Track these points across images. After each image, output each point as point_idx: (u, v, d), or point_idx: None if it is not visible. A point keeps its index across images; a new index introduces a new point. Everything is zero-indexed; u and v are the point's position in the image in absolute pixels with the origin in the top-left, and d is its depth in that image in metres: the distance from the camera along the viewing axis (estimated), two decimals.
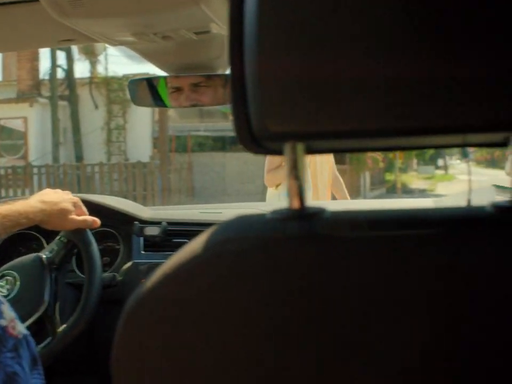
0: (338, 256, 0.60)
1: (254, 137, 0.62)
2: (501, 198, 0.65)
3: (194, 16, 1.37)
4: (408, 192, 20.63)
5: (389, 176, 24.82)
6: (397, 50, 0.57)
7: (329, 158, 3.90)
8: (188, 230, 2.01)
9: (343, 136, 0.61)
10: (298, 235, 0.61)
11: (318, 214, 0.64)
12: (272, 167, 3.69)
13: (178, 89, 1.77)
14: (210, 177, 16.85)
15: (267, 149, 0.64)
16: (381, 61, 0.57)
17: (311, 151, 0.65)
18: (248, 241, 0.61)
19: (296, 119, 0.59)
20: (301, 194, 0.63)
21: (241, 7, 0.61)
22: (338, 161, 4.49)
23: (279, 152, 0.64)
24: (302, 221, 0.63)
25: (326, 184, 3.87)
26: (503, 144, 0.64)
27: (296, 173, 0.63)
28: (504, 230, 0.61)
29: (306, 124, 0.59)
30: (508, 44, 0.56)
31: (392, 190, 22.24)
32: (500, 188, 2.40)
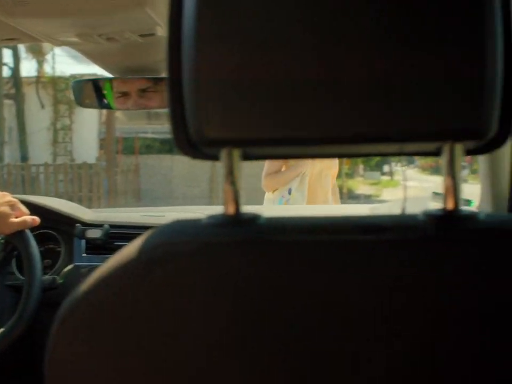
0: (271, 261, 0.61)
1: (191, 142, 0.63)
2: (436, 205, 0.66)
3: (139, 19, 1.37)
4: (354, 197, 20.81)
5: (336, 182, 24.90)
6: (335, 59, 0.58)
7: (335, 162, 3.68)
8: (130, 233, 2.00)
9: (278, 143, 0.61)
10: (232, 240, 0.62)
11: (252, 219, 0.64)
12: (271, 172, 3.58)
13: (125, 94, 1.76)
14: (157, 179, 16.74)
15: (204, 154, 0.65)
16: (317, 69, 0.58)
17: (247, 157, 0.66)
18: (182, 246, 0.62)
19: (233, 126, 0.60)
20: (236, 200, 0.64)
21: (180, 10, 0.61)
22: None
23: (215, 158, 0.64)
24: (237, 227, 0.63)
25: (328, 189, 3.67)
26: (436, 153, 0.65)
27: (232, 178, 0.64)
28: (434, 238, 0.62)
29: (243, 130, 0.60)
30: (441, 59, 0.57)
31: (339, 195, 22.33)
32: (439, 195, 2.45)
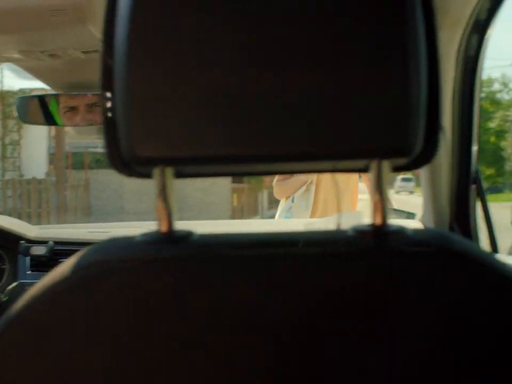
0: (203, 277, 0.62)
1: (124, 160, 0.63)
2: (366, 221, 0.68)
3: (81, 36, 1.37)
4: None
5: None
6: (266, 78, 0.59)
7: (355, 178, 3.47)
8: (75, 249, 1.99)
9: (210, 161, 0.63)
10: (165, 257, 0.63)
11: (185, 237, 0.65)
12: (279, 179, 3.47)
13: (73, 109, 1.75)
14: (107, 194, 16.62)
15: (137, 172, 0.66)
16: (247, 88, 0.60)
17: (180, 175, 0.66)
18: (116, 264, 0.62)
19: (164, 144, 0.60)
20: (169, 218, 0.65)
21: (112, 28, 0.62)
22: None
23: (149, 176, 0.65)
24: (170, 244, 0.64)
25: (344, 194, 3.43)
26: (365, 170, 0.67)
27: (165, 196, 0.64)
28: (362, 253, 0.64)
29: (174, 149, 0.61)
30: (366, 78, 0.59)
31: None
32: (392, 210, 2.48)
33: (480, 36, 1.58)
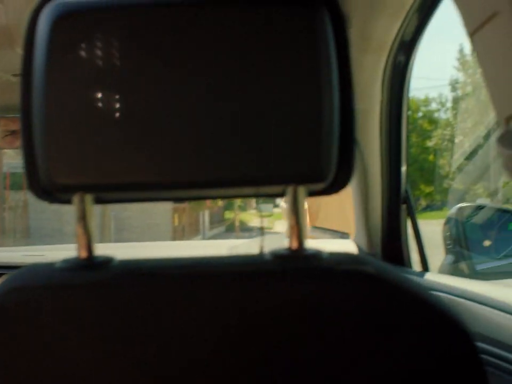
0: (121, 303, 0.62)
1: (44, 187, 0.64)
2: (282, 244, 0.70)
3: (10, 59, 1.37)
4: (247, 230, 20.93)
5: (229, 215, 25.11)
6: (182, 108, 0.61)
7: None
8: (8, 273, 1.96)
9: (129, 188, 0.63)
10: (84, 284, 0.63)
11: (105, 263, 0.66)
12: None
13: (13, 133, 1.73)
14: (47, 216, 16.35)
15: (57, 198, 0.66)
16: (166, 117, 0.61)
17: (100, 201, 0.67)
18: (35, 291, 0.62)
19: (82, 172, 0.61)
20: (89, 244, 0.65)
21: (31, 55, 0.62)
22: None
23: (69, 202, 0.66)
24: (89, 270, 0.65)
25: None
26: (282, 195, 0.69)
27: (84, 223, 0.65)
28: (277, 276, 0.65)
29: (92, 176, 0.61)
30: (282, 109, 0.61)
31: (231, 228, 22.51)
32: (320, 229, 2.52)
33: (406, 58, 1.62)
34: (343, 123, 0.65)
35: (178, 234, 17.86)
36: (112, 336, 0.62)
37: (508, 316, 1.21)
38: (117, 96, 0.61)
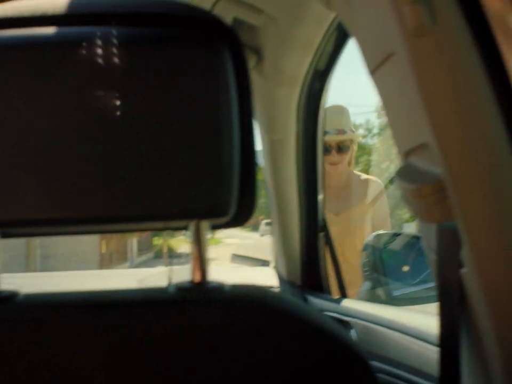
0: (23, 338, 0.63)
1: None
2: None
3: None
4: (175, 256, 20.79)
5: (157, 241, 24.91)
6: (88, 144, 0.61)
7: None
8: None
9: (32, 224, 0.64)
10: None
11: (10, 297, 0.66)
12: None
13: None
14: None
15: None
16: (65, 157, 0.61)
17: (8, 235, 0.67)
18: None
19: None
20: None
21: None
22: None
23: None
24: None
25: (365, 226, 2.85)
26: (185, 228, 0.70)
27: None
28: (180, 310, 0.66)
29: None
30: (183, 146, 0.63)
31: (160, 255, 22.34)
32: (239, 256, 2.54)
33: (319, 90, 1.66)
34: (244, 159, 0.67)
35: (106, 261, 17.62)
36: (14, 369, 0.62)
37: (418, 341, 1.24)
38: (12, 132, 0.61)
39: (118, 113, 0.62)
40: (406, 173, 0.82)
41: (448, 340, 0.77)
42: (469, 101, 0.70)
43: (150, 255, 23.11)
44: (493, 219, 0.70)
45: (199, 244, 0.69)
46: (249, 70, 0.69)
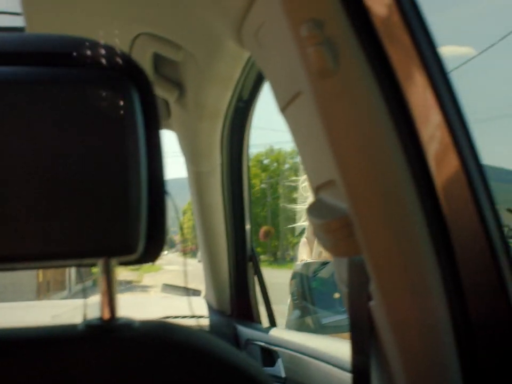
0: None
1: None
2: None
3: None
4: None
5: (95, 269, 24.55)
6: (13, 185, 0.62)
7: None
8: None
9: None
10: None
11: None
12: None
13: None
14: None
15: None
16: None
17: None
18: None
19: None
20: None
21: None
22: None
23: None
24: None
25: None
26: (93, 265, 0.71)
27: None
28: (90, 348, 0.66)
29: None
30: (90, 188, 0.63)
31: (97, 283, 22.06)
32: (170, 286, 2.53)
33: (242, 122, 1.69)
34: (153, 194, 0.67)
35: (43, 290, 17.34)
36: None
37: (340, 370, 1.25)
38: None
39: (25, 152, 0.62)
40: (316, 208, 0.84)
41: (360, 368, 0.79)
42: (373, 139, 0.72)
43: (89, 283, 22.83)
44: (396, 254, 0.73)
45: (108, 280, 0.69)
46: (158, 105, 0.69)
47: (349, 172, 0.74)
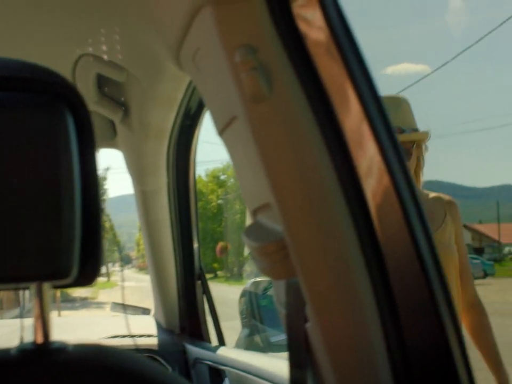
0: None
1: None
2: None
3: None
4: (69, 300, 20.39)
5: None
6: None
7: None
8: None
9: None
10: None
11: None
12: None
13: None
14: None
15: None
16: None
17: None
18: None
19: None
20: None
21: None
22: None
23: None
24: None
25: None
26: (27, 288, 0.70)
27: None
28: (22, 373, 0.66)
29: None
30: (23, 213, 0.63)
31: (53, 299, 21.81)
32: (119, 305, 2.51)
33: (188, 141, 1.70)
34: (88, 217, 0.67)
35: None
36: None
37: None
38: None
39: None
40: (253, 231, 0.84)
41: None
42: (306, 163, 0.73)
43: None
44: (330, 277, 0.73)
45: (41, 304, 0.69)
46: (93, 127, 0.69)
47: (283, 195, 0.74)
